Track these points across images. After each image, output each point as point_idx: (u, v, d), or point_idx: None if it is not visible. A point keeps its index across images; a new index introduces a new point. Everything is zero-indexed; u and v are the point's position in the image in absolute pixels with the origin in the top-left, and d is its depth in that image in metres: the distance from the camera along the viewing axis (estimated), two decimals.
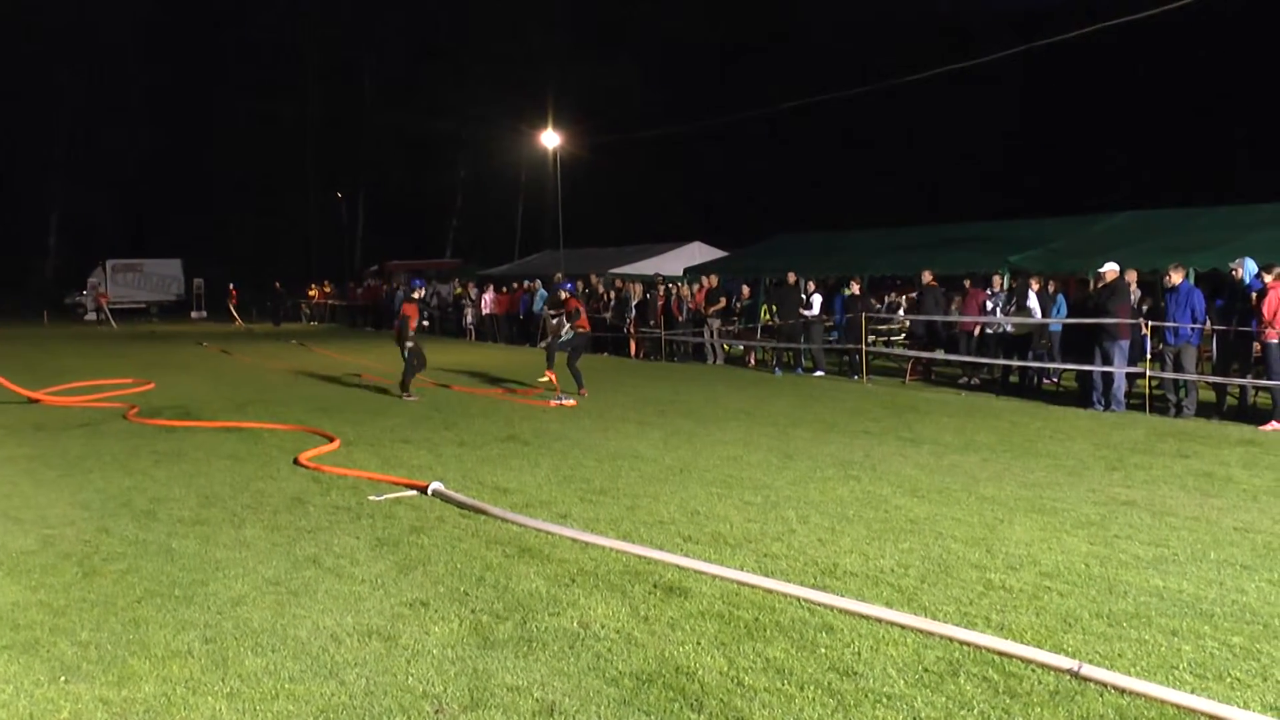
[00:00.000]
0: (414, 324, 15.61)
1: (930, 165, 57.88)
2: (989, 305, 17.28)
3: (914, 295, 20.56)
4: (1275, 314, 12.61)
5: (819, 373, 19.61)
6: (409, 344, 15.51)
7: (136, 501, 8.35)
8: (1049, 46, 23.43)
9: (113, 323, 45.14)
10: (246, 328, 41.68)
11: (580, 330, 16.02)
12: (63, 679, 4.68)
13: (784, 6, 61.64)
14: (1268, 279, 12.81)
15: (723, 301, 23.12)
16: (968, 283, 18.78)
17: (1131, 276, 14.94)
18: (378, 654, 4.93)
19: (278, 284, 46.60)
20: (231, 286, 50.93)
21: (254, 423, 12.91)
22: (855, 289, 19.90)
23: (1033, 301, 16.32)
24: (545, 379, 15.99)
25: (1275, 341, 12.59)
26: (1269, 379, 12.80)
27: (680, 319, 23.18)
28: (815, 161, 60.16)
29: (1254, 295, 12.97)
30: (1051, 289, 16.78)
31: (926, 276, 19.20)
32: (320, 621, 5.39)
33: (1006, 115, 56.63)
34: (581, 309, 16.26)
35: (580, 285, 27.52)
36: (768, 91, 44.94)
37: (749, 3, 62.51)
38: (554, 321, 16.10)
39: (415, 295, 16.59)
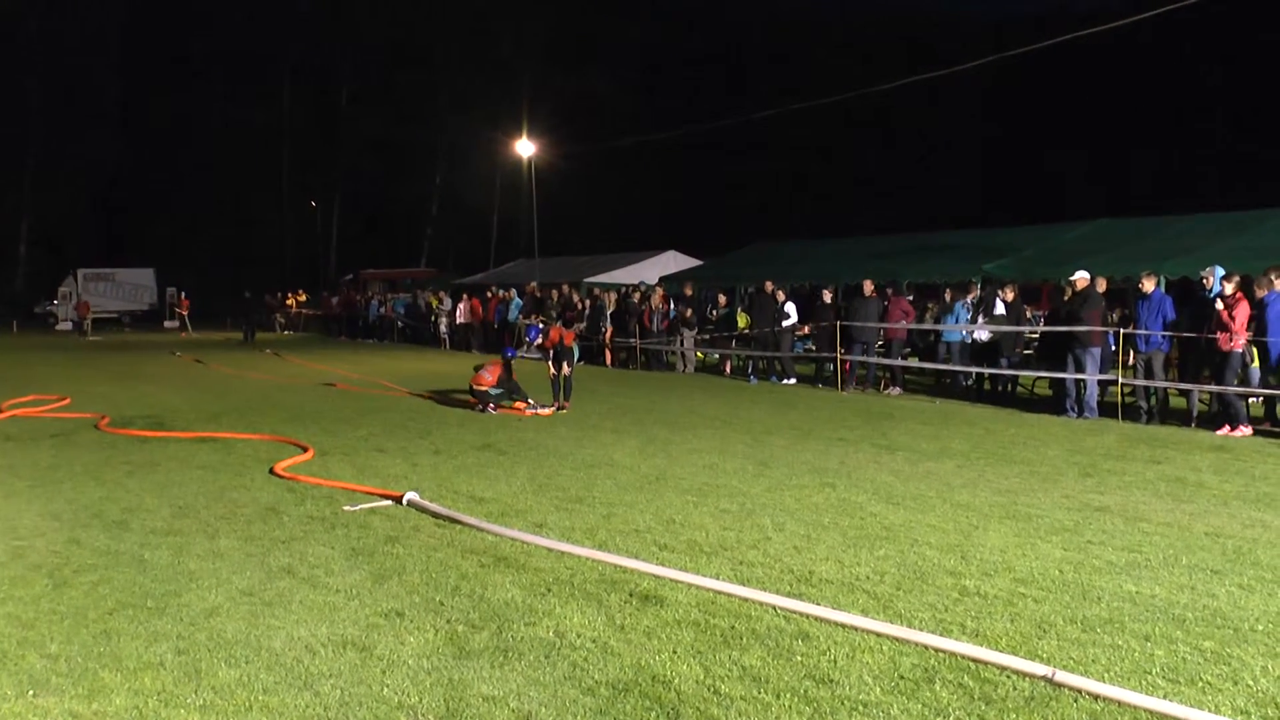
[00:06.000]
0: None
1: (905, 174, 58.29)
2: (965, 315, 17.33)
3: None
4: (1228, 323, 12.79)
5: (791, 380, 19.64)
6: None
7: (108, 512, 8.26)
8: (1021, 56, 23.63)
9: (89, 333, 44.63)
10: (190, 336, 41.33)
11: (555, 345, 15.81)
12: (31, 693, 4.61)
13: (761, 16, 61.92)
14: (1229, 288, 12.90)
15: (689, 311, 23.12)
16: (890, 289, 18.77)
17: (1101, 284, 15.03)
18: (353, 665, 4.89)
19: (247, 294, 43.68)
20: (183, 295, 50.23)
21: (227, 433, 12.81)
22: (827, 298, 19.80)
23: (1000, 310, 16.38)
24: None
25: (1239, 350, 12.70)
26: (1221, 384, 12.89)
27: (650, 327, 23.18)
28: (791, 170, 60.47)
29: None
30: (1010, 296, 16.63)
31: (868, 288, 18.83)
32: (295, 632, 5.35)
33: (980, 124, 57.06)
34: (556, 333, 16.02)
35: (555, 294, 27.53)
36: (744, 100, 45.10)
37: (725, 12, 62.78)
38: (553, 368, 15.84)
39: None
